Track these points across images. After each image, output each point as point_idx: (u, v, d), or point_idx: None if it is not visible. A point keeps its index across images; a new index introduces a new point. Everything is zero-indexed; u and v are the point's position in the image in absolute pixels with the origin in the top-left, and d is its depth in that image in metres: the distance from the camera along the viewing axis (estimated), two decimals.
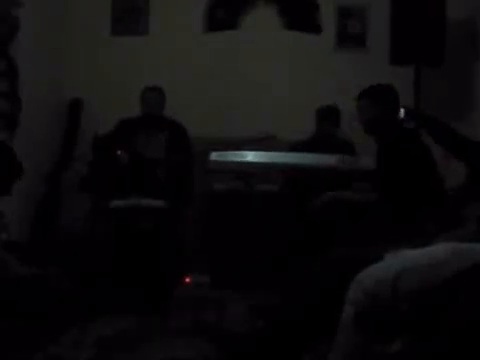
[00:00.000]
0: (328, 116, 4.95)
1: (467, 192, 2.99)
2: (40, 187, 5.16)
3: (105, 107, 5.47)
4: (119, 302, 3.74)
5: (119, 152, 4.57)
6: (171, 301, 3.93)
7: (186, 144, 4.86)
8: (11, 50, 4.46)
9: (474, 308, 1.84)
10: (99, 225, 4.46)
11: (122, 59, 5.67)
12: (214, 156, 3.56)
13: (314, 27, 5.55)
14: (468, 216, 2.41)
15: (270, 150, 3.79)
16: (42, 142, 5.17)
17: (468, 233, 2.31)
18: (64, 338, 3.22)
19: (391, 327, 1.98)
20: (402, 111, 3.59)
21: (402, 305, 1.97)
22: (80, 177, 4.79)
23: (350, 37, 5.52)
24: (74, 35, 5.70)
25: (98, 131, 4.93)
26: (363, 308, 2.00)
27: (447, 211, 2.68)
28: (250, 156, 3.60)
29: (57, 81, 5.57)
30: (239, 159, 3.56)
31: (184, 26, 5.59)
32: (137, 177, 4.57)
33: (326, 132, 4.93)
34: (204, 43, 5.60)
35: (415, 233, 2.72)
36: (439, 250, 2.12)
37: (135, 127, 4.82)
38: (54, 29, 5.49)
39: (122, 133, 4.79)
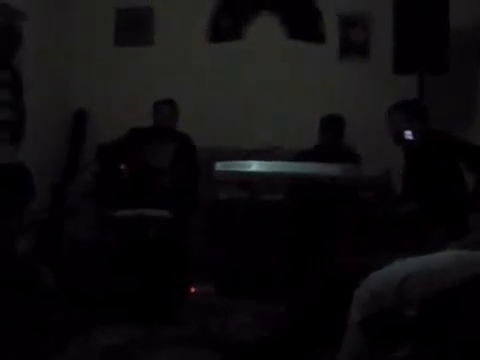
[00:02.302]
0: (332, 125, 4.95)
1: (473, 200, 3.00)
2: (46, 197, 5.17)
3: (110, 117, 5.50)
4: (124, 311, 3.74)
5: (122, 166, 4.59)
6: (176, 310, 3.92)
7: (193, 155, 4.88)
8: (15, 61, 4.48)
9: None
10: (105, 235, 4.47)
11: (126, 70, 5.70)
12: (219, 166, 3.56)
13: (317, 36, 5.55)
14: (474, 224, 2.41)
15: (274, 160, 3.80)
16: (47, 153, 5.19)
17: (474, 241, 2.31)
18: (70, 347, 3.22)
19: (399, 332, 1.99)
20: (408, 133, 3.62)
21: (407, 309, 1.97)
22: (86, 187, 4.81)
23: (353, 46, 5.52)
24: (78, 45, 5.73)
25: (103, 141, 4.95)
26: (369, 310, 2.01)
27: (455, 219, 2.70)
28: (254, 166, 3.60)
29: (62, 92, 5.60)
30: (244, 169, 3.55)
31: (188, 36, 5.62)
32: (143, 187, 4.58)
33: (330, 141, 4.93)
34: (208, 53, 5.62)
35: (422, 241, 2.72)
36: (446, 257, 2.14)
37: (144, 137, 4.84)
38: (58, 40, 5.52)
39: (131, 141, 4.81)
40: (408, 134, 3.63)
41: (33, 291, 3.43)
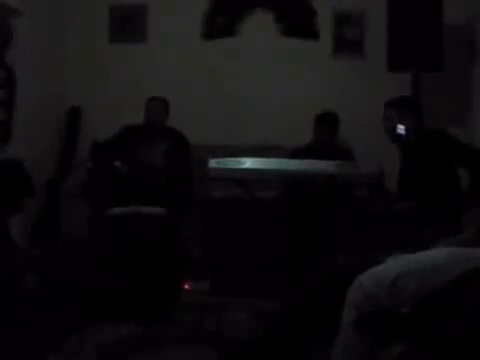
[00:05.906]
0: (326, 122, 4.96)
1: (467, 198, 3.01)
2: (40, 194, 5.16)
3: (104, 115, 5.49)
4: (119, 309, 3.74)
5: (117, 163, 4.59)
6: (171, 308, 3.92)
7: (186, 153, 4.87)
8: (10, 59, 4.47)
9: (476, 312, 1.85)
10: (99, 232, 4.46)
11: (120, 67, 5.69)
12: (213, 163, 3.56)
13: (312, 33, 5.55)
14: (467, 222, 2.42)
15: (269, 157, 3.80)
16: (41, 150, 5.18)
17: (467, 238, 2.32)
18: (64, 346, 3.22)
19: (392, 330, 1.99)
20: (401, 127, 3.62)
21: (401, 307, 1.98)
22: (80, 184, 4.80)
23: (348, 43, 5.52)
24: (72, 43, 5.72)
25: (96, 138, 4.95)
26: (363, 309, 2.01)
27: (449, 217, 2.71)
28: (248, 163, 3.60)
29: (56, 89, 5.58)
30: (238, 166, 3.55)
31: (182, 33, 5.60)
32: (137, 184, 4.58)
33: (324, 138, 4.94)
34: (202, 50, 5.61)
35: (415, 238, 2.73)
36: (438, 254, 2.14)
37: (137, 134, 4.84)
38: (53, 38, 5.50)
39: (124, 139, 4.81)
40: (401, 128, 3.63)
41: (27, 290, 3.42)
